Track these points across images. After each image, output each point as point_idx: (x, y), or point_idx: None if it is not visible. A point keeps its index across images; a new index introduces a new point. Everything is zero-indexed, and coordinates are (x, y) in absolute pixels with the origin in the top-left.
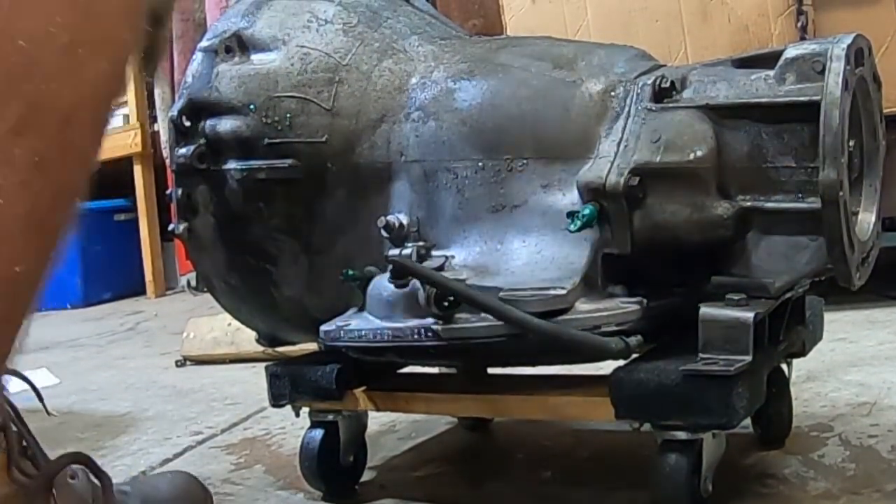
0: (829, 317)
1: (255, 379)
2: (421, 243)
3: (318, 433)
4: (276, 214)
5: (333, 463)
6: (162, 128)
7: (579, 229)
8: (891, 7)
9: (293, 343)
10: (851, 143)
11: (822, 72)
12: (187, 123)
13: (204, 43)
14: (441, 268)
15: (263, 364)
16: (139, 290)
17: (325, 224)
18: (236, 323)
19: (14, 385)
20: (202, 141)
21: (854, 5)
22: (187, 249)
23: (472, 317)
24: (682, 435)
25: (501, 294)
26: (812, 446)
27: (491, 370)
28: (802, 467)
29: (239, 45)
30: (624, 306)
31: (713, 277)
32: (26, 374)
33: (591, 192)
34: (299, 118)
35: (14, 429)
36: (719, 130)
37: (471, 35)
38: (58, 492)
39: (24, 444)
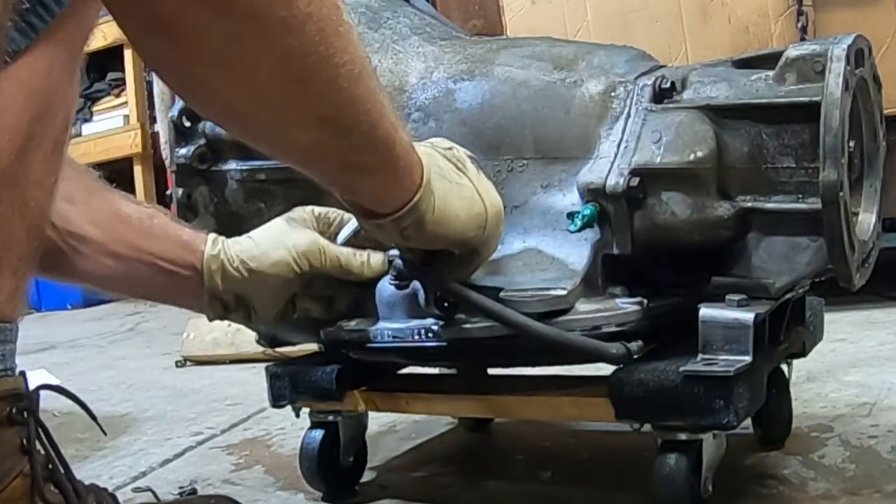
0: (829, 317)
1: (255, 379)
2: None
3: (319, 434)
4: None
5: (333, 463)
6: (162, 128)
7: (579, 230)
8: (890, 7)
9: (293, 343)
10: (852, 144)
11: (823, 72)
12: (187, 124)
13: None
14: None
15: (263, 365)
16: None
17: None
18: (236, 324)
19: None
20: (202, 141)
21: (854, 6)
22: None
23: (472, 317)
24: (682, 435)
25: (502, 294)
26: (812, 447)
27: (491, 371)
28: (802, 468)
29: None
30: (624, 307)
31: (713, 278)
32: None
33: (592, 193)
34: None
35: (41, 451)
36: (719, 131)
37: (471, 36)
38: None
39: (50, 467)
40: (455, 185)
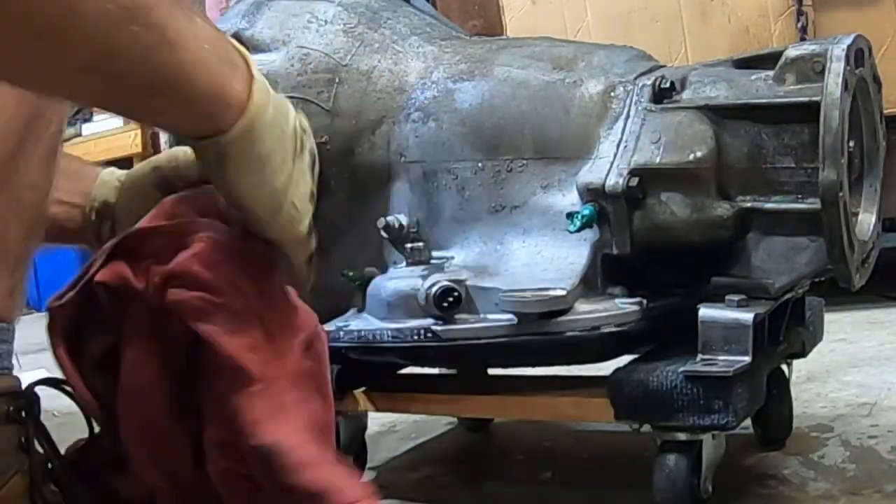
0: (828, 317)
1: None
2: (420, 244)
3: None
4: None
5: None
6: None
7: (579, 230)
8: (890, 8)
9: None
10: (851, 144)
11: (822, 72)
12: None
13: None
14: (441, 268)
15: None
16: None
17: (324, 225)
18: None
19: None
20: None
21: (854, 6)
22: None
23: (472, 317)
24: (681, 436)
25: (501, 294)
26: (812, 447)
27: (491, 371)
28: (802, 468)
29: None
30: (623, 307)
31: (713, 278)
32: (25, 374)
33: (591, 193)
34: None
35: (39, 449)
36: (719, 131)
37: (471, 36)
38: None
39: (49, 465)
40: (279, 152)
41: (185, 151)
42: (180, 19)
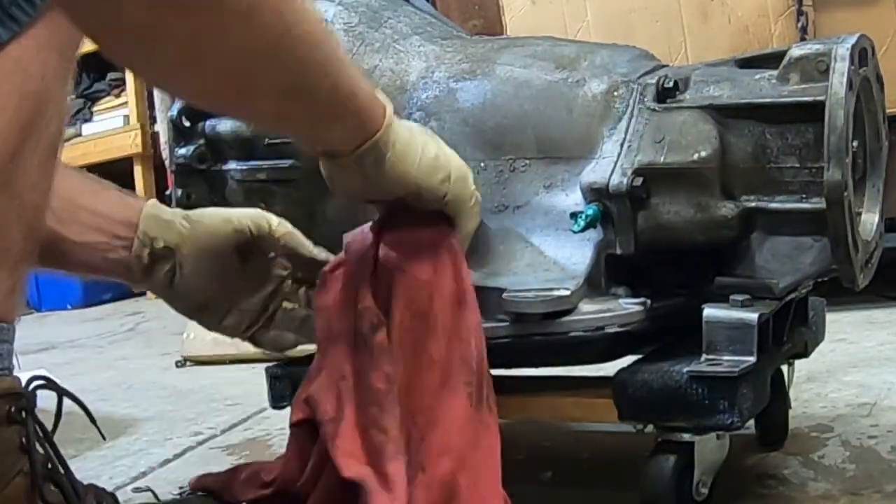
0: (829, 317)
1: (255, 380)
2: None
3: None
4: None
5: None
6: (162, 128)
7: (583, 230)
8: (891, 7)
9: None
10: (855, 144)
11: (826, 72)
12: (187, 123)
13: None
14: None
15: (264, 365)
16: (139, 291)
17: (325, 224)
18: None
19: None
20: (202, 141)
21: (854, 5)
22: None
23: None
24: (685, 436)
25: (505, 295)
26: (812, 447)
27: (493, 371)
28: (802, 468)
29: None
30: (627, 307)
31: (717, 278)
32: (24, 374)
33: (595, 193)
34: None
35: (40, 450)
36: (723, 131)
37: (471, 35)
38: None
39: (50, 466)
40: (419, 134)
41: (268, 220)
42: (335, 42)
